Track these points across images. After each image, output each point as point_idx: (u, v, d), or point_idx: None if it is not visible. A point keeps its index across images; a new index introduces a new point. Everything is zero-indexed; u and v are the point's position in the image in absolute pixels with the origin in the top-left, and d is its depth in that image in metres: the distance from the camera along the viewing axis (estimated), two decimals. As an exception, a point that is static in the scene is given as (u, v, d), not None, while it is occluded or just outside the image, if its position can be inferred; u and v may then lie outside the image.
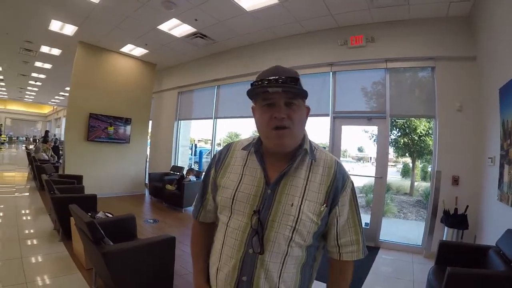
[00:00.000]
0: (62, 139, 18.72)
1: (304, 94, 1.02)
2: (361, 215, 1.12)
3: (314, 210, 1.01)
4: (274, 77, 0.97)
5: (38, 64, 9.64)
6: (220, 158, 1.16)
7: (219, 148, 1.51)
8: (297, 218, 0.99)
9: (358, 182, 9.55)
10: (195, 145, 12.57)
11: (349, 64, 5.41)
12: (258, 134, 1.11)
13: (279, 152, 1.05)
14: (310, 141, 1.12)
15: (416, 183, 10.68)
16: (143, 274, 2.71)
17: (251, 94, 1.04)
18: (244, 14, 5.16)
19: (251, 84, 1.02)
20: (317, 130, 6.45)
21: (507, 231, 2.75)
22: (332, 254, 1.12)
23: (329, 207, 1.04)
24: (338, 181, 1.05)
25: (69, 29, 6.32)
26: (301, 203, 1.00)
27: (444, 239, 4.07)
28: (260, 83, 0.99)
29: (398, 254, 4.65)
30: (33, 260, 3.54)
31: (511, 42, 3.12)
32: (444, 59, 4.57)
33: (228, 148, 1.18)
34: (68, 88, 13.40)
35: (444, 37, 4.53)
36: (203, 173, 1.21)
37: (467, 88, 4.38)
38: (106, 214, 4.11)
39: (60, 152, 11.45)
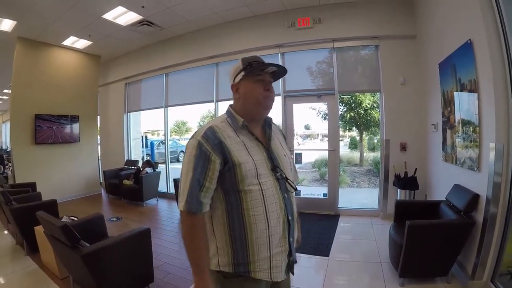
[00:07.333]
0: (4, 147, 16.84)
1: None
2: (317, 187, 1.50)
3: (289, 155, 1.47)
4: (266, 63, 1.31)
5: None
6: (216, 142, 1.20)
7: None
8: (290, 162, 1.43)
9: (310, 158, 9.95)
10: (146, 136, 12.15)
11: (297, 45, 5.58)
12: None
13: (259, 119, 1.37)
14: None
15: (364, 154, 11.36)
16: (124, 269, 2.69)
17: (248, 72, 1.29)
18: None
19: (250, 64, 1.29)
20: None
21: (455, 186, 3.18)
22: None
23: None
24: (284, 134, 1.58)
25: (7, 25, 5.66)
26: (285, 152, 1.41)
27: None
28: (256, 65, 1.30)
29: (358, 219, 5.07)
30: (2, 281, 3.27)
31: (447, 21, 3.51)
32: (387, 37, 4.95)
33: (213, 132, 1.22)
34: (5, 91, 11.99)
35: (388, 17, 4.89)
36: (194, 160, 1.18)
37: (409, 64, 4.82)
38: (71, 218, 3.89)
39: (5, 161, 10.33)
